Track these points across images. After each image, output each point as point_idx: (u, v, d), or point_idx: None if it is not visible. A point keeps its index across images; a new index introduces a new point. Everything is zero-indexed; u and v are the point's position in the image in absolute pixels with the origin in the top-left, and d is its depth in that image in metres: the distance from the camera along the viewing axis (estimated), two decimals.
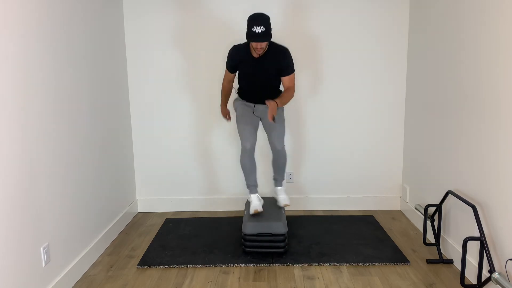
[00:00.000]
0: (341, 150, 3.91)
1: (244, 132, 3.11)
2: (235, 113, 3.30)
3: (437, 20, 3.10)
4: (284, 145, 3.23)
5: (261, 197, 3.38)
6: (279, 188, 3.38)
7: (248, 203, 3.40)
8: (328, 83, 3.81)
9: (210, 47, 3.75)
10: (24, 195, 2.18)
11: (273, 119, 2.88)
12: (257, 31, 2.70)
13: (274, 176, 3.39)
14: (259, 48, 2.81)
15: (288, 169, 3.94)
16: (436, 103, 3.13)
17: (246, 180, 3.27)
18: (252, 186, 3.25)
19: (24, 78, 2.18)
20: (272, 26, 2.87)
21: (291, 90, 3.04)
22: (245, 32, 2.81)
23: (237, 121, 3.18)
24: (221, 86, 3.32)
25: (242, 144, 3.12)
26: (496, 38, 2.36)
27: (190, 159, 3.94)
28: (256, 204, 3.17)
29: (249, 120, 3.15)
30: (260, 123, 3.27)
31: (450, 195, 2.91)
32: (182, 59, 3.78)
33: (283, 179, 3.40)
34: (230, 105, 3.49)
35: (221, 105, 3.38)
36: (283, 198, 3.33)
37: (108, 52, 3.32)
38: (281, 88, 3.21)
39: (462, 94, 2.74)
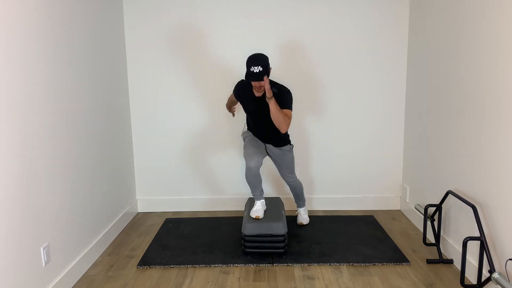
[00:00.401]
0: (341, 150, 3.91)
1: (249, 152, 3.05)
2: (243, 143, 3.31)
3: (437, 20, 3.10)
4: (296, 176, 3.41)
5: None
6: (301, 209, 3.59)
7: (248, 203, 3.40)
8: (328, 83, 3.81)
9: (210, 47, 3.75)
10: (24, 195, 2.18)
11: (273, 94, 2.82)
12: (254, 71, 2.76)
13: (294, 199, 3.58)
14: (258, 86, 2.87)
15: None
16: (436, 103, 3.13)
17: (253, 191, 3.21)
18: (258, 195, 3.22)
19: (24, 78, 2.18)
20: (271, 65, 2.92)
21: (286, 118, 2.91)
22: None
23: (244, 146, 3.18)
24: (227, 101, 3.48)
25: (246, 163, 3.04)
26: (496, 38, 2.36)
27: (190, 159, 3.94)
28: (259, 209, 3.15)
29: (256, 145, 3.14)
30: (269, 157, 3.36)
31: (450, 195, 2.91)
32: (182, 59, 3.78)
33: (304, 201, 3.58)
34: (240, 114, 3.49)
35: (227, 106, 3.49)
36: (303, 218, 3.57)
37: (108, 52, 3.32)
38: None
39: (462, 94, 2.74)
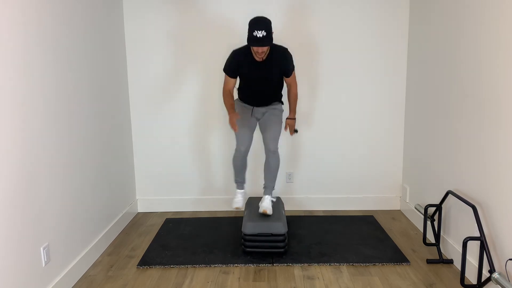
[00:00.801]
0: (341, 150, 3.91)
1: (240, 135, 3.15)
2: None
3: (437, 20, 3.10)
4: (278, 149, 3.20)
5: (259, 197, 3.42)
6: (266, 196, 3.19)
7: (248, 203, 3.41)
8: (328, 83, 3.81)
9: (211, 47, 3.75)
10: (24, 195, 2.18)
11: (295, 130, 3.28)
12: (258, 36, 2.68)
13: (264, 183, 3.28)
14: (260, 52, 2.80)
15: (288, 169, 3.94)
16: (436, 103, 3.13)
17: (235, 176, 3.35)
18: (239, 182, 3.34)
19: (24, 78, 2.18)
20: (273, 29, 2.87)
21: (294, 89, 3.18)
22: (245, 35, 2.78)
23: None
24: (222, 95, 3.20)
25: (237, 146, 3.17)
26: (496, 38, 2.36)
27: (190, 159, 3.94)
28: (239, 200, 3.29)
29: (247, 122, 3.18)
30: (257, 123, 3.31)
31: (450, 195, 2.91)
32: (182, 59, 3.78)
33: (273, 188, 3.25)
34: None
35: (228, 113, 3.10)
36: (265, 206, 3.09)
37: (108, 52, 3.32)
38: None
39: (462, 95, 2.74)
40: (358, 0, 3.69)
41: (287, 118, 3.33)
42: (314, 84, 3.81)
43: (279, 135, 3.22)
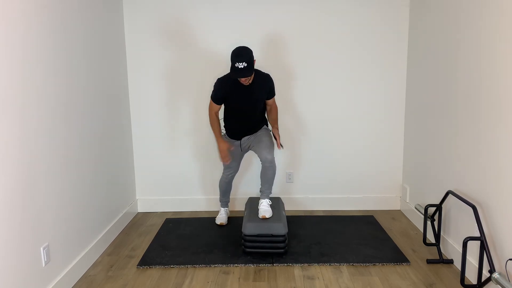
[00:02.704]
0: (341, 150, 3.91)
1: (228, 164, 3.39)
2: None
3: (437, 20, 3.10)
4: (274, 158, 3.19)
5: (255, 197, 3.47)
6: (263, 200, 3.21)
7: (248, 203, 3.41)
8: (328, 83, 3.81)
9: (211, 47, 3.75)
10: (24, 195, 2.18)
11: (281, 145, 3.25)
12: (239, 67, 2.84)
13: (261, 188, 3.28)
14: (243, 80, 2.96)
15: (288, 169, 3.94)
16: (436, 103, 3.13)
17: (221, 196, 3.63)
18: (224, 202, 3.65)
19: (23, 77, 2.18)
20: (254, 58, 3.12)
21: (275, 108, 3.35)
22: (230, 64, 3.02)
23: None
24: (209, 119, 3.30)
25: (224, 171, 3.46)
26: (496, 38, 2.36)
27: (190, 159, 3.94)
28: (222, 217, 3.60)
29: (235, 155, 3.37)
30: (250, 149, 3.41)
31: (450, 195, 2.91)
32: (183, 59, 3.78)
33: (270, 192, 3.27)
34: None
35: (217, 141, 3.24)
36: (263, 210, 3.10)
37: (108, 52, 3.32)
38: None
39: (462, 94, 2.74)
40: (359, 0, 3.69)
41: (271, 131, 3.38)
42: (314, 84, 3.81)
43: (273, 145, 3.25)
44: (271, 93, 3.23)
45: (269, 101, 3.29)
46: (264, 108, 3.32)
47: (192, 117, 3.86)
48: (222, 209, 3.65)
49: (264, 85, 3.14)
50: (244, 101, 3.13)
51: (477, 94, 2.55)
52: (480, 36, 2.52)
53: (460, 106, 2.76)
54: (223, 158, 3.26)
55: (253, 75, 3.01)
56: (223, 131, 3.39)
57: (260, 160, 3.19)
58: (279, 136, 3.27)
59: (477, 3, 2.55)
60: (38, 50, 2.31)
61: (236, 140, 3.34)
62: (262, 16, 3.70)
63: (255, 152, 3.26)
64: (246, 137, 3.32)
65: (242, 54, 2.85)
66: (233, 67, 2.87)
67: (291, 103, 3.83)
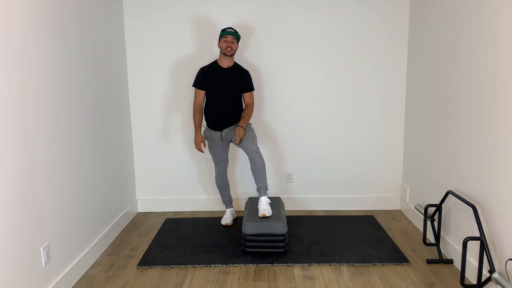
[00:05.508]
0: (341, 150, 3.91)
1: (216, 159, 3.51)
2: (206, 141, 3.54)
3: (437, 20, 3.10)
4: (259, 149, 3.23)
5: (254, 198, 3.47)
6: (262, 198, 3.19)
7: (248, 203, 3.41)
8: (328, 82, 3.81)
9: (211, 47, 3.76)
10: (24, 195, 2.18)
11: (240, 140, 3.27)
12: (228, 29, 3.30)
13: (256, 185, 3.27)
14: (229, 41, 3.25)
15: (288, 169, 3.94)
16: (436, 103, 3.13)
17: (221, 196, 3.66)
18: (227, 201, 3.67)
19: (23, 77, 2.18)
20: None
21: (251, 106, 3.45)
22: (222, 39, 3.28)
23: (209, 150, 3.54)
24: (192, 111, 3.51)
25: (215, 167, 3.55)
26: (496, 38, 2.36)
27: (190, 159, 3.94)
28: (227, 218, 3.62)
29: (219, 148, 3.48)
30: (231, 142, 3.47)
31: (450, 195, 2.91)
32: (183, 59, 3.78)
33: (266, 188, 3.25)
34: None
35: (195, 133, 3.40)
36: (263, 209, 3.10)
37: (108, 52, 3.32)
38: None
39: (462, 94, 2.74)
40: (359, 0, 3.69)
41: (237, 125, 3.34)
42: (314, 84, 3.81)
43: (256, 137, 3.32)
44: (247, 85, 3.41)
45: (246, 96, 3.43)
46: (242, 104, 3.45)
47: (192, 117, 3.86)
48: (227, 209, 3.67)
49: (241, 75, 3.38)
50: (221, 86, 3.32)
51: (477, 94, 2.55)
52: (480, 36, 2.52)
53: (460, 106, 2.76)
54: (197, 147, 3.41)
55: (236, 48, 3.31)
56: (205, 125, 3.52)
57: (247, 153, 3.24)
58: (240, 133, 3.23)
59: (477, 3, 2.55)
60: (38, 50, 2.31)
61: (217, 131, 3.41)
62: (262, 16, 3.70)
63: (241, 147, 3.30)
64: (226, 129, 3.40)
65: (231, 27, 3.36)
66: (223, 30, 3.29)
67: (291, 103, 3.83)
